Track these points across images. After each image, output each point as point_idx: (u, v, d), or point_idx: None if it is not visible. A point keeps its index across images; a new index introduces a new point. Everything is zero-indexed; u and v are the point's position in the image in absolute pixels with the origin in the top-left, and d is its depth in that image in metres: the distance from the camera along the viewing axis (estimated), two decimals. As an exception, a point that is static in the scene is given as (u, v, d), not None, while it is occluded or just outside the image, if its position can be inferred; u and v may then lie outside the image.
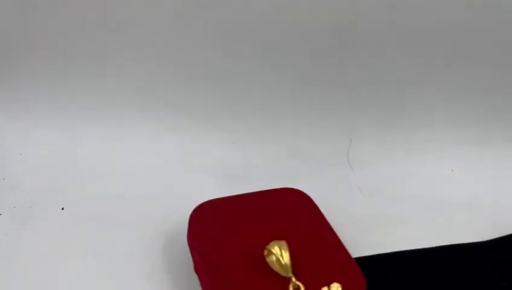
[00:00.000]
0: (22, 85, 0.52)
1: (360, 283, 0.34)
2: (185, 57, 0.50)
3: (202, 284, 0.36)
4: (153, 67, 0.51)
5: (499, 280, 0.39)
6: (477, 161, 0.52)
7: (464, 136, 0.52)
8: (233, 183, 0.48)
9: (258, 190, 0.42)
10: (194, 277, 0.37)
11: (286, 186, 0.43)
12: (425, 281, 0.39)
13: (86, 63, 0.51)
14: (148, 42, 0.49)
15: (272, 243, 0.34)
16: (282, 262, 0.33)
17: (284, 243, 0.34)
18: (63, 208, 0.45)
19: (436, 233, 0.44)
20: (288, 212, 0.39)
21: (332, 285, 0.33)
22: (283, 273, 0.33)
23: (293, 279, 0.33)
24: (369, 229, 0.44)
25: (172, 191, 0.47)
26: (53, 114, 0.52)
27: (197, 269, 0.37)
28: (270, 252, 0.34)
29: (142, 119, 0.52)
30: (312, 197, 0.41)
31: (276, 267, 0.33)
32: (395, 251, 0.41)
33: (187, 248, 0.38)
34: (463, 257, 0.41)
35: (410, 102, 0.51)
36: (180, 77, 0.51)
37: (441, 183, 0.50)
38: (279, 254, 0.33)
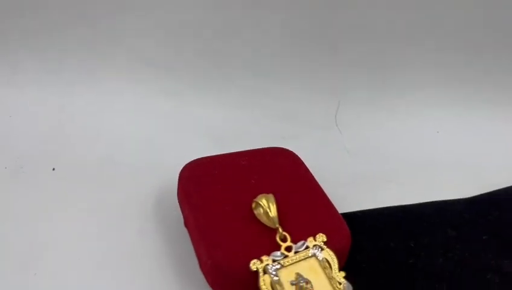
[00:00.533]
0: (11, 48, 0.51)
1: (345, 234, 0.35)
2: (175, 19, 0.50)
3: (192, 239, 0.36)
4: (143, 29, 0.50)
5: (479, 233, 0.40)
6: (462, 123, 0.53)
7: (449, 98, 0.53)
8: (222, 144, 0.48)
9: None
10: (185, 232, 0.38)
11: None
12: (408, 236, 0.40)
13: (76, 26, 0.50)
14: (138, 3, 0.49)
15: (259, 196, 0.35)
16: (270, 214, 0.34)
17: (271, 196, 0.35)
18: (54, 169, 0.45)
19: (420, 191, 0.44)
20: (277, 169, 0.40)
21: (317, 235, 0.33)
22: (270, 225, 0.34)
23: (280, 229, 0.33)
24: (355, 187, 0.45)
25: (162, 152, 0.47)
26: (43, 76, 0.51)
27: (187, 224, 0.38)
28: (258, 205, 0.34)
29: (132, 82, 0.52)
30: (300, 157, 0.42)
31: (263, 219, 0.34)
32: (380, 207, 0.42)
33: (177, 205, 0.39)
34: (446, 212, 0.42)
35: (397, 64, 0.52)
36: (170, 39, 0.51)
37: (426, 144, 0.51)
38: (267, 207, 0.34)
